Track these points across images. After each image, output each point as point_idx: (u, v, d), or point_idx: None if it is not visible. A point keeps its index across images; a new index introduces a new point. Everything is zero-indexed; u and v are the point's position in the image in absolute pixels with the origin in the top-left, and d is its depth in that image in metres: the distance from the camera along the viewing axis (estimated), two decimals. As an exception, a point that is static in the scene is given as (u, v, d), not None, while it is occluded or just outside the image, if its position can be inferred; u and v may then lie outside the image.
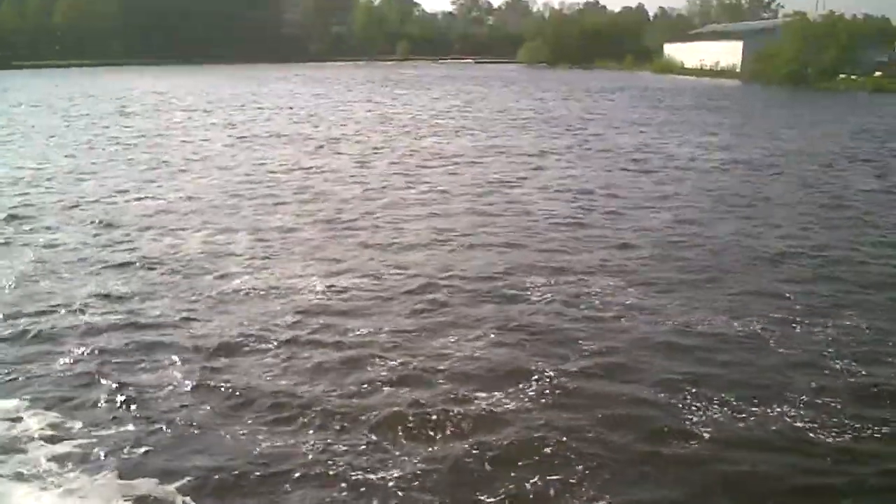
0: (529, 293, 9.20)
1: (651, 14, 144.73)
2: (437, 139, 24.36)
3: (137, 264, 10.49)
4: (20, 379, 7.03)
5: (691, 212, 13.87)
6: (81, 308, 8.65)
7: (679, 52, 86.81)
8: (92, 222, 13.05)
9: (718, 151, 21.51)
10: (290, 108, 36.29)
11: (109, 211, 14.00)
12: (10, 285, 9.63)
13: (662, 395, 6.69)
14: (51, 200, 15.00)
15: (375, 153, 21.26)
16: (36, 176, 17.57)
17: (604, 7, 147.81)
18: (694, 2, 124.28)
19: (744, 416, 6.32)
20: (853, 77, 56.05)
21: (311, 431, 6.08)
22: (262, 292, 9.28)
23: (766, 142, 23.60)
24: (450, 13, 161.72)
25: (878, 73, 55.66)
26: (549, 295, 9.14)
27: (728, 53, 74.27)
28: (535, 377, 6.95)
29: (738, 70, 70.82)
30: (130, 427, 6.16)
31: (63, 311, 8.59)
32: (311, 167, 18.93)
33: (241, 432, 6.09)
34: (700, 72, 75.99)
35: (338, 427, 6.13)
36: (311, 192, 15.77)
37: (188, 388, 6.79)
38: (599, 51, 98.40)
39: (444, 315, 8.52)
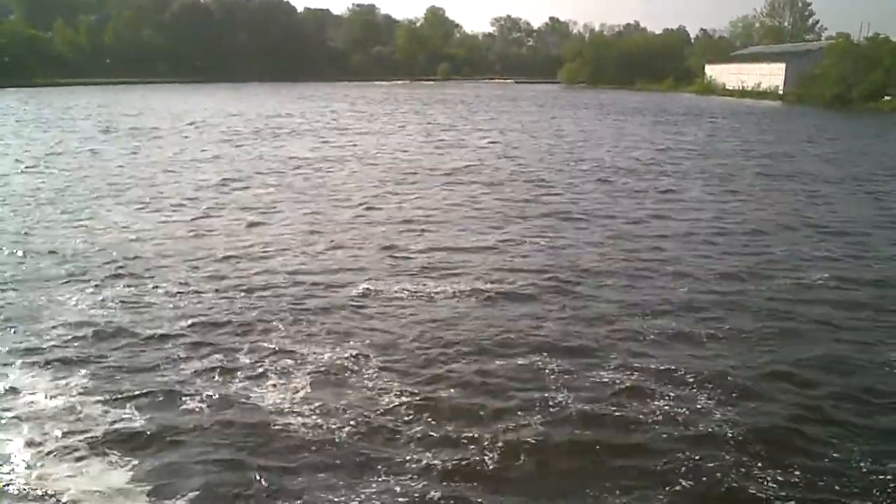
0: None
1: (692, 36, 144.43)
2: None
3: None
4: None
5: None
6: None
7: (720, 73, 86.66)
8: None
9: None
10: (378, 132, 34.45)
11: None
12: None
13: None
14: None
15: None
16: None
17: (644, 28, 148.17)
18: (736, 24, 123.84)
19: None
20: (899, 99, 55.65)
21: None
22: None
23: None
24: (490, 34, 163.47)
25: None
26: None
27: (770, 75, 74.04)
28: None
29: (780, 92, 70.57)
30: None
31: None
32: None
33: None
34: (742, 93, 75.82)
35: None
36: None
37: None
38: (639, 72, 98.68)
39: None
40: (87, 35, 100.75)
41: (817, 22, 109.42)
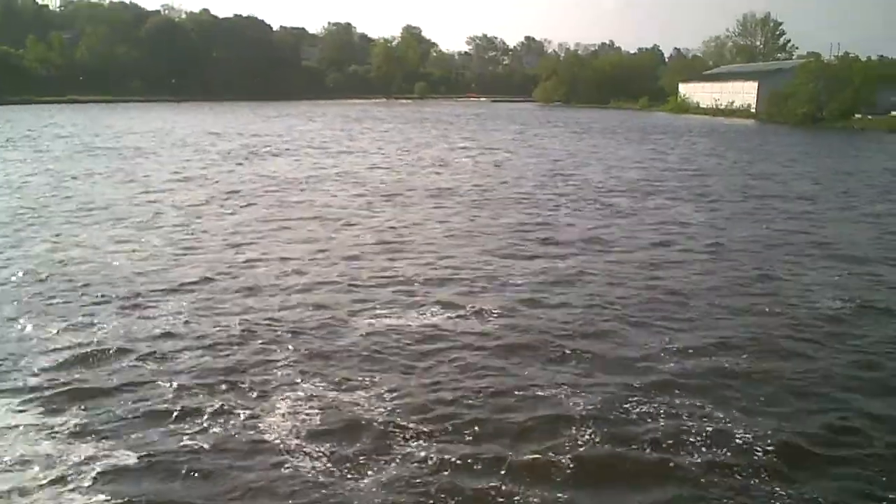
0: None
1: (666, 55, 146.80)
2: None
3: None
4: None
5: None
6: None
7: (694, 92, 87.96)
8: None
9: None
10: (378, 151, 34.04)
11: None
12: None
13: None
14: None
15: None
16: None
17: (619, 48, 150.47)
18: (709, 43, 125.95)
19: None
20: (869, 117, 56.73)
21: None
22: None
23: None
24: (466, 53, 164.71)
25: (893, 113, 56.20)
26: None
27: (743, 93, 75.29)
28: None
29: (752, 110, 71.76)
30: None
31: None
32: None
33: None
34: (715, 111, 76.94)
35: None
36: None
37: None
38: (614, 90, 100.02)
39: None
40: (60, 51, 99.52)
41: (788, 41, 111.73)
